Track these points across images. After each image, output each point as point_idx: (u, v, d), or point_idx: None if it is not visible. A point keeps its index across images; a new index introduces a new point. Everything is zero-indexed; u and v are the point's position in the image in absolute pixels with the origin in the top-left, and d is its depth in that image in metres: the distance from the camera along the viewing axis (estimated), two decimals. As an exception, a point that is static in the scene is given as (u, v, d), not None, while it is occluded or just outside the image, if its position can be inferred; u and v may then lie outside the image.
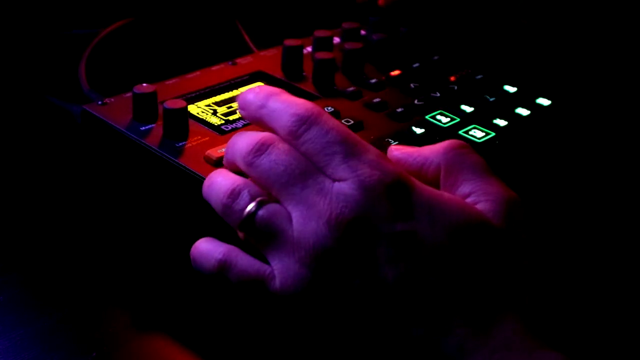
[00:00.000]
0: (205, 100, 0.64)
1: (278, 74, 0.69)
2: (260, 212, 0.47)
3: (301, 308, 0.46)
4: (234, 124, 0.61)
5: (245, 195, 0.48)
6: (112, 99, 0.62)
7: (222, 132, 0.60)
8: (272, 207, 0.47)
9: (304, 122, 0.48)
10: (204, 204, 0.54)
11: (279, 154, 0.48)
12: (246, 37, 0.76)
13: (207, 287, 0.55)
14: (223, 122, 0.61)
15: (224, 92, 0.65)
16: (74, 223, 0.61)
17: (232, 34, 0.79)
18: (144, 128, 0.59)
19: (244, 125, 0.60)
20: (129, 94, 0.62)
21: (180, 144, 0.57)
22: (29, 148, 0.69)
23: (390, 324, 0.45)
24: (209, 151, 0.56)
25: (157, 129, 0.59)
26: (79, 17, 0.83)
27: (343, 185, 0.46)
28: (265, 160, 0.48)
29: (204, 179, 0.54)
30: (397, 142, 0.58)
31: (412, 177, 0.47)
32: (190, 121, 0.60)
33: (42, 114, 0.72)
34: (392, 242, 0.45)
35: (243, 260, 0.48)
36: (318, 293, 0.46)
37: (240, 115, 0.61)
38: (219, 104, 0.63)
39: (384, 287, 0.44)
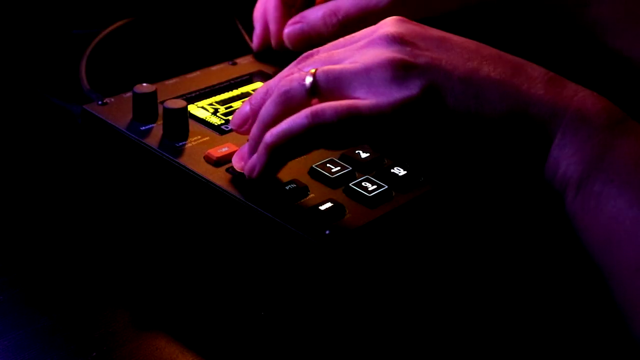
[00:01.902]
0: (205, 100, 0.64)
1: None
2: (319, 70, 0.52)
3: (393, 124, 0.50)
4: (234, 124, 0.61)
5: (297, 74, 0.52)
6: (112, 99, 0.62)
7: (222, 132, 0.60)
8: (325, 66, 0.52)
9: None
10: (204, 204, 0.54)
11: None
12: (246, 37, 0.76)
13: (207, 287, 0.55)
14: (223, 122, 0.61)
15: (224, 92, 0.65)
16: (74, 223, 0.61)
17: (232, 33, 0.79)
18: (144, 128, 0.59)
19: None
20: (129, 94, 0.62)
21: (180, 144, 0.57)
22: (29, 148, 0.69)
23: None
24: (209, 151, 0.56)
25: (157, 129, 0.59)
26: (79, 17, 0.83)
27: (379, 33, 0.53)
28: (313, 60, 0.54)
29: (204, 178, 0.54)
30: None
31: None
32: (190, 121, 0.60)
33: (42, 113, 0.72)
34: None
35: (329, 103, 0.50)
36: (406, 103, 0.50)
37: None
38: (219, 103, 0.63)
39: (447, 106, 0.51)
